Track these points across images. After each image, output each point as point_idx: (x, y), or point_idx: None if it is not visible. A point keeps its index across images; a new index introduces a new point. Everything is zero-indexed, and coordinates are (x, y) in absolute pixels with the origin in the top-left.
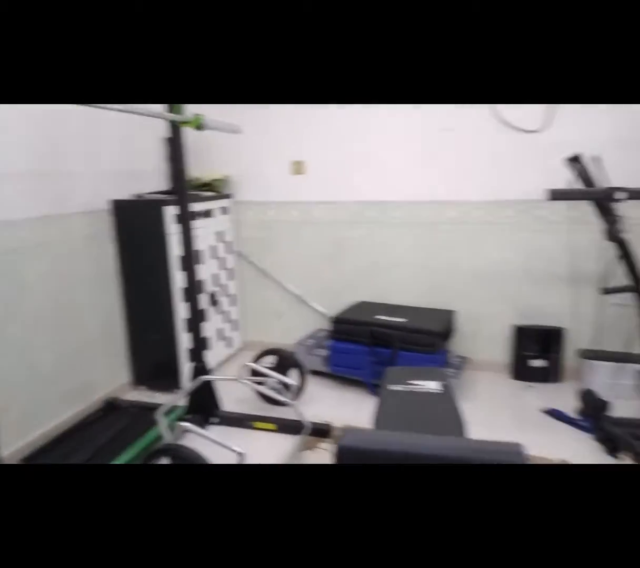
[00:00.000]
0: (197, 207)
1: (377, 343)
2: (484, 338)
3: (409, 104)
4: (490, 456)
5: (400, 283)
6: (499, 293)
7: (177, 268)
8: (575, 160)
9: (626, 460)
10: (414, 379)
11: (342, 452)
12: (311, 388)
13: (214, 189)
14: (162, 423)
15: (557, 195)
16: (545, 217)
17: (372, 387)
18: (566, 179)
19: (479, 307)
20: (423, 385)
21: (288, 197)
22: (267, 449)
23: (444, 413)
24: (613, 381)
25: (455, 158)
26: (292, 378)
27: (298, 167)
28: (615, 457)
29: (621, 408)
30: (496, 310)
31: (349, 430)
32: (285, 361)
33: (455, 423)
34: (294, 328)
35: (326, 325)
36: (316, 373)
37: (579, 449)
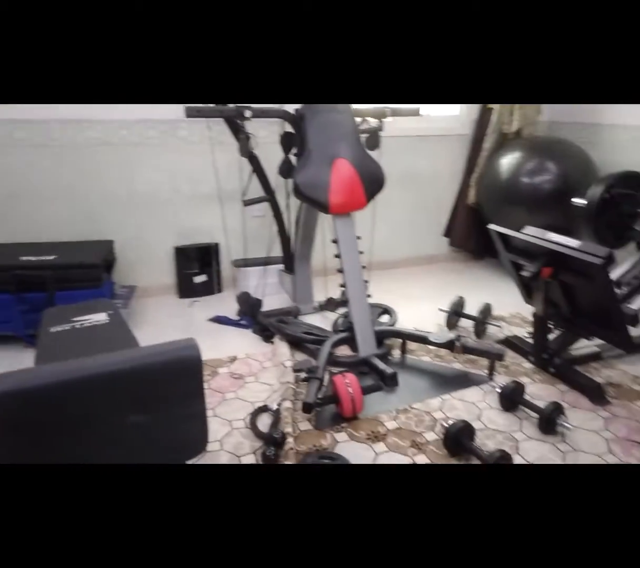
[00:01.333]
0: None
1: (25, 288)
2: (147, 264)
3: None
4: (165, 355)
5: (43, 216)
6: (155, 218)
7: None
8: None
9: (278, 343)
10: (77, 316)
11: (2, 399)
12: None
13: None
14: None
15: (192, 112)
16: (187, 137)
17: (29, 337)
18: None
19: (137, 233)
20: (89, 319)
21: None
22: None
23: (114, 340)
24: (261, 282)
25: None
26: None
27: None
28: (271, 342)
29: (271, 303)
30: (156, 234)
31: (2, 376)
32: None
33: (126, 345)
34: None
35: None
36: None
37: (243, 343)
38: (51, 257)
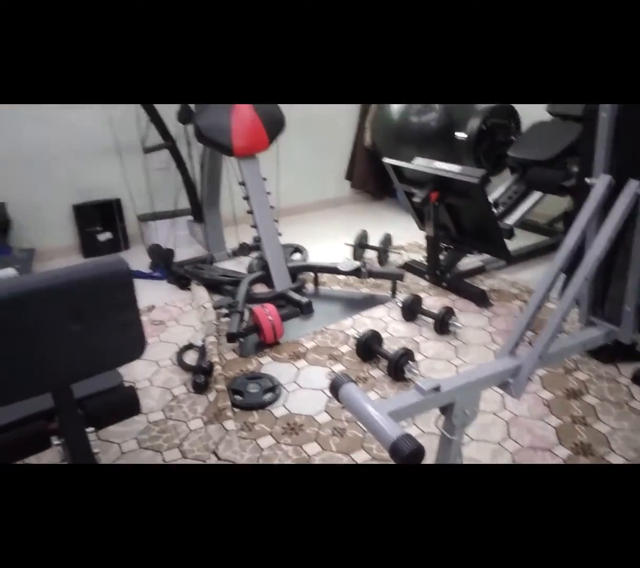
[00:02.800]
0: None
1: None
2: (45, 225)
3: None
4: (99, 269)
5: None
6: (49, 176)
7: None
8: None
9: (195, 289)
10: None
11: None
12: None
13: None
14: None
15: None
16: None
17: None
18: None
19: (30, 194)
20: None
21: None
22: None
23: None
24: (171, 234)
25: None
26: None
27: None
28: (188, 289)
29: (183, 254)
30: (50, 194)
31: None
32: None
33: None
34: None
35: None
36: None
37: (160, 293)
38: None
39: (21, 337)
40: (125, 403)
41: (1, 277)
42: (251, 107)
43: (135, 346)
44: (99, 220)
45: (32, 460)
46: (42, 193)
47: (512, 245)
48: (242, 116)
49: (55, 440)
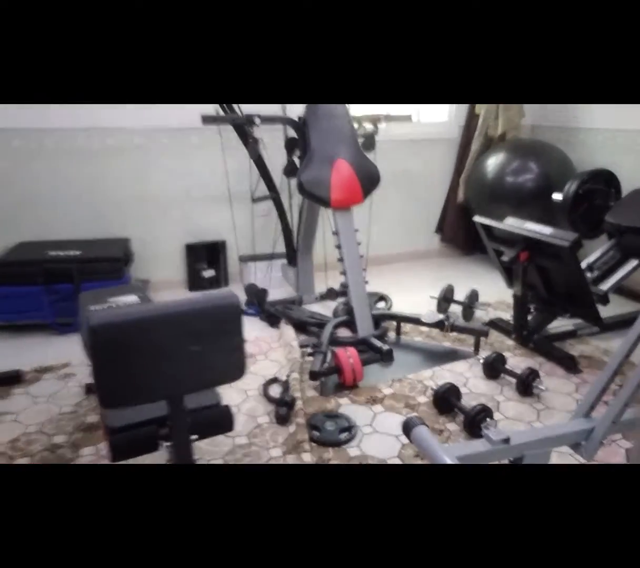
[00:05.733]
0: None
1: (54, 280)
2: (160, 260)
3: None
4: (214, 301)
5: (64, 218)
6: (168, 217)
7: None
8: None
9: (284, 327)
10: (111, 297)
11: (98, 330)
12: None
13: None
14: None
15: (209, 120)
16: (198, 143)
17: (58, 325)
18: (212, 109)
19: (151, 232)
20: (122, 300)
21: None
22: None
23: None
24: (266, 275)
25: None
26: None
27: None
28: (278, 327)
29: (275, 294)
30: (167, 233)
31: (93, 313)
32: None
33: None
34: None
35: None
36: None
37: (252, 329)
38: (77, 253)
39: (149, 352)
40: (223, 419)
41: (126, 301)
42: (349, 164)
43: (237, 369)
44: (205, 258)
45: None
46: (161, 232)
47: (607, 311)
48: (342, 173)
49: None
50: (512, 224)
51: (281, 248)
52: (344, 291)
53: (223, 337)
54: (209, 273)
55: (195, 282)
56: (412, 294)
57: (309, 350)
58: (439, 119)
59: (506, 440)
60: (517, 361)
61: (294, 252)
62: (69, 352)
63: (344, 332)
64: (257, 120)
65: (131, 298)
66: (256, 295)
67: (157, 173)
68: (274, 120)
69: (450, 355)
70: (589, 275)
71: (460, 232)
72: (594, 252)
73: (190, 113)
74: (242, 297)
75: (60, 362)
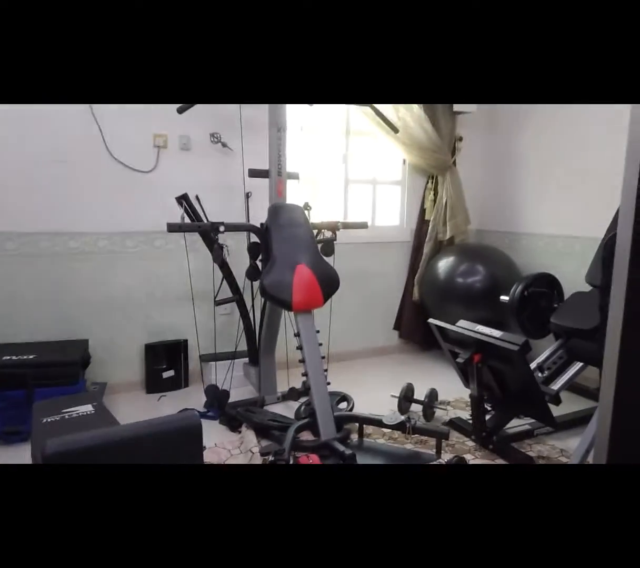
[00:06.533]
0: None
1: (5, 386)
2: (118, 361)
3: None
4: (176, 423)
5: (23, 319)
6: (129, 318)
7: None
8: (183, 198)
9: (245, 432)
10: (65, 408)
11: (52, 458)
12: None
13: None
14: None
15: (174, 228)
16: (163, 246)
17: (5, 435)
18: (179, 213)
19: (110, 333)
20: (77, 410)
21: None
22: None
23: (105, 425)
24: (228, 375)
25: (69, 190)
26: None
27: None
28: (238, 432)
29: (237, 394)
30: (127, 334)
31: (50, 441)
32: None
33: None
34: None
35: None
36: None
37: (211, 434)
38: (31, 356)
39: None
40: None
41: (80, 412)
42: (310, 269)
43: None
44: (165, 358)
45: None
46: (120, 333)
47: (560, 410)
48: (303, 277)
49: None
50: (464, 326)
51: (243, 347)
52: (305, 390)
53: (183, 457)
54: (168, 373)
55: (154, 383)
56: (373, 392)
57: (271, 458)
58: (392, 222)
59: None
60: (479, 463)
61: (256, 351)
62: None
63: (306, 436)
64: (222, 228)
65: (86, 408)
66: (217, 398)
67: (120, 275)
68: (238, 228)
69: (413, 458)
70: (539, 375)
71: (418, 329)
72: (543, 352)
73: (157, 217)
74: (202, 399)
75: None
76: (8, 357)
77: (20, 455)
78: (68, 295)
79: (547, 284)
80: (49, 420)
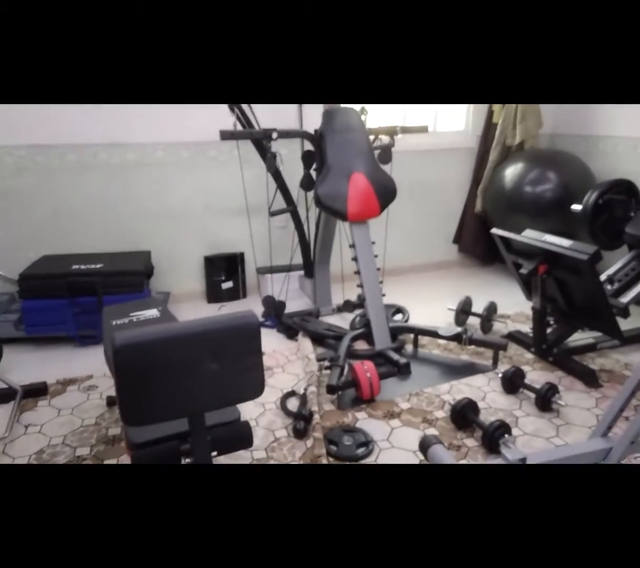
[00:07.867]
0: None
1: (77, 293)
2: (179, 272)
3: None
4: (234, 321)
5: (87, 231)
6: (187, 230)
7: None
8: (234, 105)
9: (302, 340)
10: (132, 312)
11: (122, 350)
12: (9, 357)
13: None
14: None
15: (226, 135)
16: (216, 157)
17: (80, 338)
18: (231, 123)
19: (171, 245)
20: (143, 314)
21: None
22: None
23: None
24: (284, 287)
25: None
26: None
27: None
28: (295, 340)
29: (292, 306)
30: (187, 246)
31: (117, 334)
32: None
33: None
34: None
35: (8, 288)
36: (11, 341)
37: (269, 341)
38: (99, 266)
39: (171, 371)
40: (242, 435)
41: (147, 316)
42: (366, 177)
43: (256, 387)
44: (224, 270)
45: None
46: (180, 244)
47: (627, 324)
48: (358, 186)
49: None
50: (530, 236)
51: (298, 260)
52: (361, 303)
53: (242, 355)
54: (227, 285)
55: (214, 293)
56: (430, 306)
57: (327, 363)
58: (455, 128)
59: (523, 460)
60: (536, 375)
61: (311, 264)
62: (91, 364)
63: (361, 345)
64: (275, 135)
65: (152, 313)
66: (274, 308)
67: (176, 186)
68: (291, 134)
69: (468, 369)
70: (609, 287)
71: (479, 243)
72: (614, 264)
73: (209, 127)
74: (260, 309)
75: (83, 374)
76: (77, 266)
77: (94, 354)
78: (127, 206)
79: (625, 191)
80: (118, 322)
